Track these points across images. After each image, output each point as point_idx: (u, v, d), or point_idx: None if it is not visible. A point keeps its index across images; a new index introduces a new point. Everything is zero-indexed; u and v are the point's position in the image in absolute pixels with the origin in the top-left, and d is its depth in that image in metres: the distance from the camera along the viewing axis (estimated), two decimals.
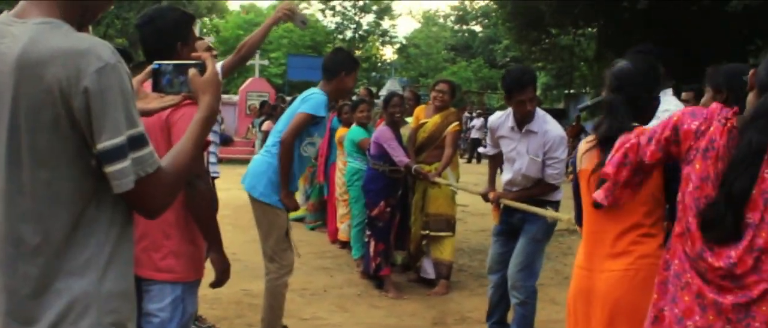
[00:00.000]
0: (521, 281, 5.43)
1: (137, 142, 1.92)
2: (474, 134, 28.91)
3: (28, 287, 1.93)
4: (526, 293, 5.45)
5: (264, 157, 5.43)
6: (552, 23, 22.47)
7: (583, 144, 3.73)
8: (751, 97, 2.79)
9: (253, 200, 5.28)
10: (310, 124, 5.35)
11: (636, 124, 3.50)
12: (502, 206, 5.61)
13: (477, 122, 29.11)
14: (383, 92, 11.64)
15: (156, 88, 2.31)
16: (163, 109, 2.45)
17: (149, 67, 2.34)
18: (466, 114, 30.36)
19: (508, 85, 5.47)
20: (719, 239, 2.66)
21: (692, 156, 2.84)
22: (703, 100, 3.75)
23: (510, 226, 5.64)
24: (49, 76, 1.85)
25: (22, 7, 1.99)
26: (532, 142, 5.48)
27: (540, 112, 5.59)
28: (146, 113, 2.35)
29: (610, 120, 3.54)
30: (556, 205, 5.61)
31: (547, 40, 26.30)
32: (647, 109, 3.68)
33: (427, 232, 7.62)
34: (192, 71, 2.23)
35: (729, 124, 2.74)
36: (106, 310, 1.98)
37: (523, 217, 5.51)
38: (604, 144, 3.50)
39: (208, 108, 2.20)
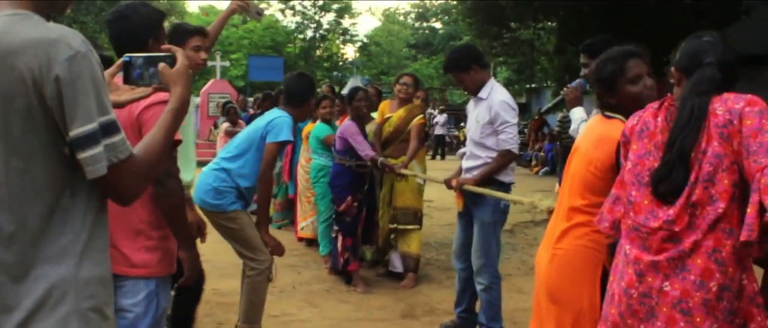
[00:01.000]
0: (481, 267, 5.53)
1: (109, 129, 1.95)
2: (438, 130, 29.01)
3: (5, 275, 1.94)
4: (489, 278, 5.54)
5: (211, 169, 5.40)
6: (512, 18, 22.60)
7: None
8: (677, 91, 2.99)
9: (207, 213, 5.23)
10: (279, 149, 5.40)
11: (619, 116, 3.58)
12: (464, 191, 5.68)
13: (440, 118, 29.22)
14: (345, 91, 11.67)
15: (127, 80, 2.35)
16: (135, 100, 2.46)
17: (120, 60, 2.36)
18: (430, 110, 30.50)
19: (444, 70, 6.15)
20: (671, 190, 2.79)
21: (632, 141, 3.05)
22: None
23: (466, 209, 5.79)
24: (20, 66, 1.88)
25: None
26: (481, 108, 5.71)
27: (492, 82, 5.84)
28: (118, 105, 2.37)
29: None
30: (507, 187, 5.68)
31: (507, 35, 26.44)
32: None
33: (394, 225, 7.65)
34: (161, 64, 2.27)
35: (666, 103, 2.97)
36: (84, 295, 2.00)
37: (472, 201, 5.60)
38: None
39: (179, 99, 2.25)
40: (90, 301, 2.02)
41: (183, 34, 4.38)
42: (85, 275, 2.01)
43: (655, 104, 3.04)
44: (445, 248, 9.60)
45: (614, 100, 3.58)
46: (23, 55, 1.88)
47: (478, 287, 5.64)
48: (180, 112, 2.25)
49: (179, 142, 3.26)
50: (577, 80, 5.12)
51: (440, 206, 12.86)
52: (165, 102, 2.50)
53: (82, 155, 1.92)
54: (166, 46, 2.40)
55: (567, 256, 3.58)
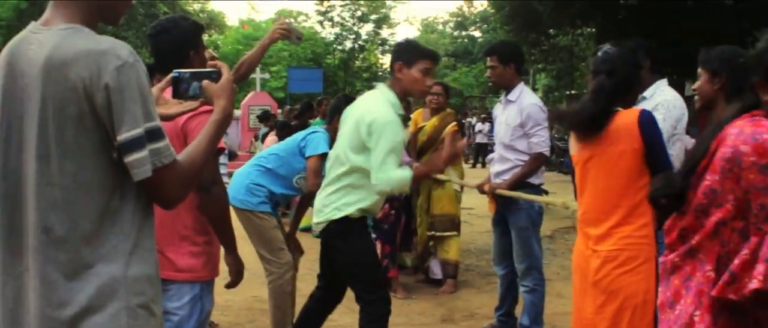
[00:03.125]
0: (526, 270, 5.58)
1: (154, 135, 2.08)
2: (479, 139, 28.95)
3: (58, 272, 2.07)
4: (533, 280, 5.58)
5: (245, 168, 5.58)
6: (550, 24, 22.51)
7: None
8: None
9: (236, 210, 5.37)
10: (321, 162, 5.51)
11: (619, 108, 3.63)
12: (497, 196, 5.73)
13: (482, 127, 29.16)
14: None
15: (176, 94, 2.49)
16: (183, 113, 2.59)
17: (169, 76, 2.49)
18: (469, 119, 30.44)
19: (484, 51, 6.20)
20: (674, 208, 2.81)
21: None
22: (697, 84, 3.81)
23: (501, 215, 5.85)
24: (73, 76, 2.02)
25: (47, 16, 2.17)
26: (511, 111, 5.75)
27: (523, 86, 5.88)
28: (167, 118, 2.51)
29: (594, 101, 3.66)
30: (538, 189, 5.71)
31: (546, 42, 26.33)
32: (631, 91, 3.80)
33: (432, 233, 7.71)
34: (206, 81, 2.40)
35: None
36: (133, 293, 2.13)
37: (505, 208, 5.67)
38: (590, 125, 3.63)
39: (223, 111, 2.37)
40: (138, 298, 2.13)
41: None
42: (134, 273, 2.13)
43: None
44: (485, 254, 9.64)
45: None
46: (75, 65, 2.02)
47: (523, 290, 5.69)
48: (223, 124, 2.37)
49: (223, 149, 3.37)
50: None
51: (480, 213, 12.83)
52: (208, 112, 2.62)
53: (129, 159, 2.05)
54: (213, 61, 2.53)
55: (619, 254, 3.61)
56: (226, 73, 2.42)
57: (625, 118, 3.59)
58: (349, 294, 7.42)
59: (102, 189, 2.09)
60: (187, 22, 3.71)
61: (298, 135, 5.75)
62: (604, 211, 3.65)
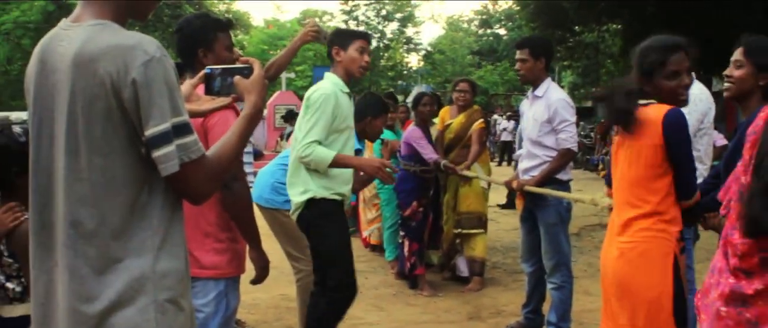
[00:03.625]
0: (554, 266, 5.54)
1: (182, 129, 2.08)
2: (505, 137, 28.85)
3: (87, 267, 2.08)
4: (561, 277, 5.54)
5: (270, 167, 5.57)
6: (576, 21, 22.48)
7: None
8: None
9: (261, 209, 5.40)
10: None
11: (652, 101, 3.58)
12: (525, 192, 5.70)
13: (507, 125, 29.06)
14: (410, 100, 11.64)
15: (208, 91, 2.52)
16: (215, 110, 2.60)
17: (202, 72, 2.51)
18: (495, 116, 30.34)
19: (515, 44, 6.04)
20: (753, 231, 2.60)
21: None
22: (739, 72, 3.75)
23: (529, 213, 5.82)
24: (101, 71, 2.03)
25: (77, 13, 2.19)
26: (538, 107, 5.72)
27: (550, 81, 5.83)
28: (199, 114, 2.52)
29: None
30: (566, 185, 5.68)
31: (571, 39, 26.27)
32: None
33: (459, 230, 7.70)
34: (237, 76, 2.42)
35: None
36: (162, 287, 2.13)
37: (534, 204, 5.64)
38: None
39: (253, 106, 2.38)
40: (167, 292, 2.14)
41: None
42: (163, 268, 2.13)
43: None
44: (511, 251, 9.62)
45: (649, 89, 3.57)
46: (103, 60, 2.03)
47: (551, 287, 5.67)
48: (253, 119, 2.37)
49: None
50: None
51: (506, 211, 12.85)
52: (228, 108, 2.64)
53: (156, 154, 2.05)
54: (244, 57, 2.54)
55: (635, 248, 3.55)
56: (258, 69, 2.43)
57: (654, 113, 3.55)
58: (374, 293, 7.48)
59: (130, 184, 2.10)
60: (200, 19, 3.74)
61: None
62: (624, 202, 3.62)
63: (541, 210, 5.60)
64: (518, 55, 5.80)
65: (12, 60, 35.22)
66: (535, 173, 5.65)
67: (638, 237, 3.55)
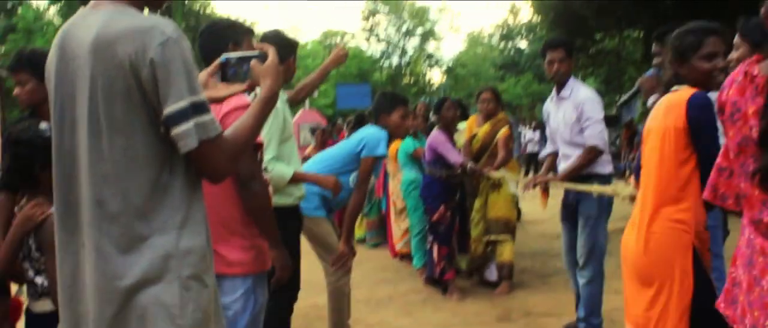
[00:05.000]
0: (586, 261, 5.52)
1: (199, 108, 2.13)
2: (530, 148, 28.75)
3: (113, 246, 2.13)
4: (592, 270, 5.52)
5: None
6: (596, 28, 22.44)
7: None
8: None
9: None
10: (375, 163, 5.55)
11: (681, 85, 3.58)
12: (549, 189, 5.69)
13: (533, 135, 28.97)
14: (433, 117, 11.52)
15: (224, 78, 2.58)
16: (231, 95, 2.64)
17: (217, 61, 2.56)
18: (520, 128, 30.24)
19: (542, 48, 5.98)
20: None
21: (726, 127, 2.85)
22: (736, 53, 3.75)
23: (569, 208, 5.80)
24: (120, 52, 2.08)
25: (94, 1, 2.27)
26: (567, 108, 5.71)
27: (575, 80, 5.83)
28: (216, 100, 2.55)
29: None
30: (606, 179, 5.65)
31: (592, 46, 26.21)
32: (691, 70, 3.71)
33: (488, 237, 7.69)
34: (253, 61, 2.48)
35: (749, 75, 2.70)
36: (185, 264, 2.18)
37: (575, 197, 5.60)
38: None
39: (269, 90, 2.44)
40: (190, 269, 2.18)
41: None
42: (185, 245, 2.18)
43: (737, 76, 2.79)
44: (539, 256, 9.59)
45: (684, 72, 3.56)
46: (121, 43, 2.08)
47: (582, 281, 5.65)
48: (269, 102, 2.43)
49: (261, 145, 3.41)
50: (651, 70, 5.11)
51: (532, 219, 12.82)
52: (244, 107, 2.67)
53: (175, 131, 2.10)
54: (259, 44, 2.58)
55: (656, 238, 3.54)
56: (272, 55, 2.48)
57: (680, 96, 3.54)
58: (403, 299, 7.48)
59: (151, 163, 2.15)
60: (227, 21, 3.85)
61: (358, 134, 5.72)
62: (649, 188, 3.60)
63: (583, 202, 5.57)
64: (553, 55, 5.79)
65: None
66: (563, 171, 5.64)
67: (658, 227, 3.54)
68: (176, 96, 2.08)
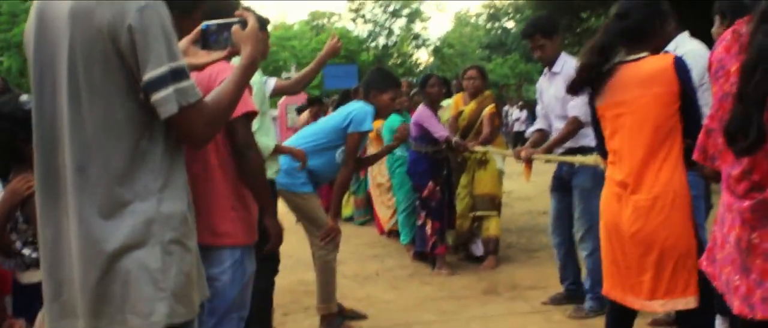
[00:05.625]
0: (585, 232, 5.54)
1: (179, 74, 2.15)
2: (517, 127, 28.83)
3: (95, 211, 2.15)
4: (593, 242, 5.52)
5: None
6: (582, 6, 22.41)
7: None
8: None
9: (279, 191, 5.34)
10: (362, 139, 5.59)
11: (644, 54, 3.63)
12: (532, 163, 5.70)
13: (520, 114, 29.04)
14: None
15: (204, 46, 2.59)
16: (211, 62, 2.65)
17: (198, 28, 2.57)
18: (507, 107, 30.29)
19: (523, 34, 6.06)
20: (747, 149, 2.61)
21: (712, 84, 2.96)
22: (716, 30, 3.82)
23: (560, 180, 5.86)
24: (97, 19, 2.10)
25: None
26: (558, 83, 5.70)
27: (564, 55, 5.87)
28: (196, 68, 2.57)
29: (596, 41, 3.72)
30: (593, 152, 5.65)
31: (579, 25, 26.19)
32: (655, 40, 3.78)
33: (473, 213, 7.73)
34: (235, 27, 2.49)
35: (736, 33, 2.80)
36: (167, 229, 2.21)
37: (569, 170, 5.64)
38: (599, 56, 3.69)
39: (248, 56, 2.46)
40: (172, 233, 2.22)
41: None
42: (166, 210, 2.21)
43: (727, 35, 2.90)
44: (525, 232, 9.66)
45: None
46: (99, 9, 2.10)
47: (583, 253, 5.68)
48: (249, 69, 2.46)
49: (255, 113, 3.42)
50: None
51: (520, 196, 12.87)
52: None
53: (155, 97, 2.12)
54: (239, 11, 2.60)
55: (654, 203, 3.59)
56: (252, 21, 2.49)
57: (659, 63, 3.60)
58: (390, 274, 7.54)
59: (131, 129, 2.17)
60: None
61: (345, 108, 5.74)
62: (639, 159, 3.62)
63: (577, 175, 5.59)
64: (533, 43, 5.85)
65: (24, 73, 35.39)
66: (569, 144, 5.68)
67: (656, 192, 3.59)
68: (155, 62, 2.10)
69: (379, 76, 5.93)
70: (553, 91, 5.79)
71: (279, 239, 3.76)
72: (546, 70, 5.95)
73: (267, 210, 3.63)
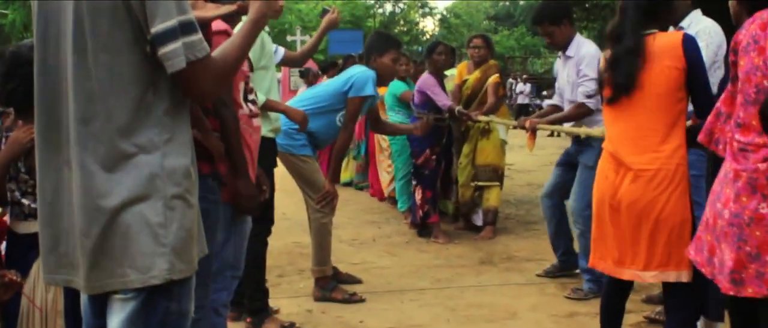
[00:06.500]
0: (579, 211, 5.49)
1: (188, 28, 2.10)
2: (521, 100, 28.82)
3: (98, 164, 2.12)
4: (585, 222, 5.51)
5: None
6: None
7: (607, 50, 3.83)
8: None
9: (279, 154, 5.29)
10: (364, 103, 5.55)
11: (653, 30, 3.61)
12: (536, 132, 5.68)
13: (524, 88, 28.98)
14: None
15: None
16: (219, 16, 2.60)
17: None
18: (511, 80, 30.23)
19: (532, 21, 6.09)
20: None
21: (739, 57, 2.96)
22: (731, 3, 3.80)
23: (568, 156, 5.84)
24: None
25: None
26: (570, 67, 5.71)
27: (578, 37, 5.81)
28: (205, 20, 2.53)
29: (621, 20, 3.64)
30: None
31: (588, 1, 26.06)
32: (663, 16, 3.77)
33: (475, 183, 7.72)
34: None
35: None
36: (171, 183, 2.17)
37: (578, 147, 5.63)
38: (616, 41, 3.64)
39: (258, 11, 2.42)
40: (175, 188, 2.17)
41: None
42: (170, 165, 2.17)
43: (764, 14, 2.90)
44: (524, 204, 9.68)
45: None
46: None
47: (576, 232, 5.67)
48: (257, 23, 2.41)
49: (247, 76, 3.40)
50: None
51: (520, 168, 12.88)
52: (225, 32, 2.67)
53: (163, 50, 2.07)
54: None
55: (656, 174, 3.59)
56: None
57: (668, 39, 3.61)
58: (387, 240, 7.55)
59: (136, 82, 2.13)
60: None
61: (347, 72, 5.70)
62: (644, 131, 3.62)
63: (583, 152, 5.55)
64: (543, 30, 5.83)
65: (28, 26, 35.24)
66: (554, 118, 5.73)
67: (658, 164, 3.59)
68: (164, 15, 2.06)
69: (379, 40, 5.89)
70: (566, 75, 5.77)
71: (252, 201, 3.62)
72: (560, 53, 5.92)
73: (240, 170, 3.52)
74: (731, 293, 2.85)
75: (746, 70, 2.89)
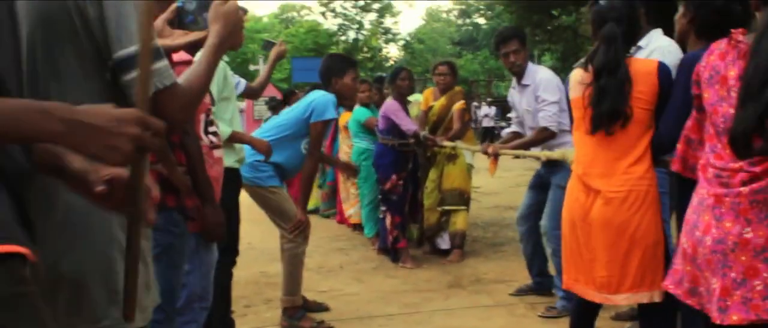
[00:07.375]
0: (551, 230, 5.48)
1: (154, 54, 1.95)
2: (486, 123, 28.95)
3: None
4: (557, 242, 5.50)
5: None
6: (553, 4, 22.48)
7: (578, 72, 3.81)
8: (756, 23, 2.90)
9: (246, 188, 5.29)
10: (325, 128, 5.51)
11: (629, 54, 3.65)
12: (498, 157, 5.71)
13: (489, 111, 29.12)
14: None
15: (180, 25, 2.43)
16: (188, 44, 2.52)
17: (173, 5, 2.43)
18: (475, 103, 30.40)
19: (495, 42, 6.09)
20: (762, 150, 2.63)
21: (703, 90, 2.97)
22: (676, 15, 3.83)
23: (540, 178, 5.84)
24: None
25: None
26: (529, 95, 5.77)
27: (533, 66, 5.92)
28: (173, 48, 2.44)
29: (606, 50, 3.62)
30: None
31: (549, 22, 26.27)
32: (636, 39, 3.89)
33: (442, 207, 7.70)
34: (214, 3, 2.30)
35: (733, 41, 2.81)
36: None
37: (549, 168, 5.63)
38: (610, 74, 3.60)
39: (217, 35, 2.26)
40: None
41: None
42: None
43: (721, 44, 2.90)
44: (491, 226, 9.67)
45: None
46: None
47: (549, 251, 5.67)
48: (218, 48, 2.25)
49: (208, 107, 3.36)
50: None
51: (487, 191, 12.88)
52: (188, 62, 2.61)
53: (126, 78, 1.94)
54: None
55: (628, 195, 3.58)
56: (229, 2, 2.32)
57: (643, 66, 3.64)
58: (355, 267, 7.48)
59: None
60: None
61: (306, 98, 5.65)
62: (616, 153, 3.63)
63: (555, 173, 5.56)
64: (506, 48, 5.87)
65: None
66: (516, 144, 5.75)
67: (630, 185, 3.59)
68: (128, 39, 1.91)
69: (336, 61, 5.83)
70: (525, 104, 5.80)
71: (218, 229, 3.58)
72: (514, 82, 5.95)
73: (205, 197, 3.48)
74: (718, 321, 2.81)
75: (712, 103, 2.89)
